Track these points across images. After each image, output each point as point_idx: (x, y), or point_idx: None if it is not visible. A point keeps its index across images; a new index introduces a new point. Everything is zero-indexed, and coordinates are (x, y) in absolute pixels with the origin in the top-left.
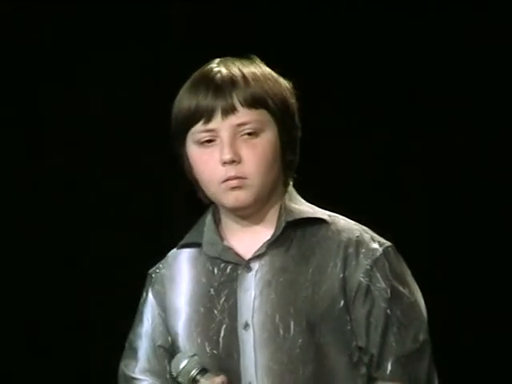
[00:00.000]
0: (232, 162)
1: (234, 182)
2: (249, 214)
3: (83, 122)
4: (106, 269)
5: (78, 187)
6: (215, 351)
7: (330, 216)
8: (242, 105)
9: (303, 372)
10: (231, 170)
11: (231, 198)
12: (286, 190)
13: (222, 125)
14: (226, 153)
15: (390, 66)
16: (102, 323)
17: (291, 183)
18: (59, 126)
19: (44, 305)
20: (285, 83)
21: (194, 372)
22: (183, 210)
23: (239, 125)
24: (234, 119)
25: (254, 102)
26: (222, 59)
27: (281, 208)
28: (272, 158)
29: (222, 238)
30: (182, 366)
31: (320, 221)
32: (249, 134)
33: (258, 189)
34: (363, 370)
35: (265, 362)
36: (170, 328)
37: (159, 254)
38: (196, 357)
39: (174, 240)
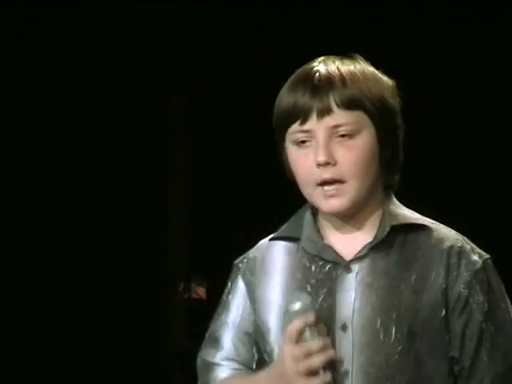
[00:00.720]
0: (326, 164)
1: (330, 191)
2: (345, 216)
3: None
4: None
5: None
6: None
7: (432, 223)
8: (339, 106)
9: (400, 379)
10: (327, 172)
11: (326, 205)
12: (388, 194)
13: (317, 126)
14: (321, 154)
15: None
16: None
17: (394, 187)
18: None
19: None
20: (387, 82)
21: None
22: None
23: (334, 126)
24: (329, 120)
25: (350, 104)
26: (325, 57)
27: (384, 211)
28: (368, 160)
29: (321, 236)
30: (296, 307)
31: (422, 227)
32: (344, 135)
33: (354, 193)
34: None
35: (362, 365)
36: (261, 321)
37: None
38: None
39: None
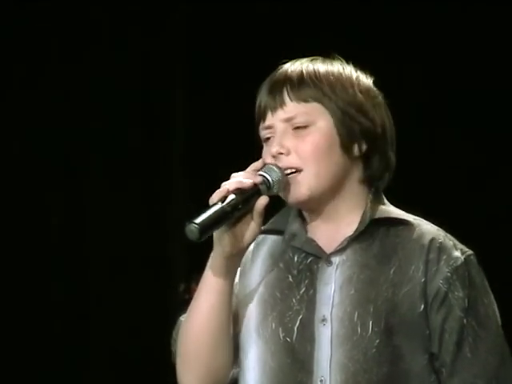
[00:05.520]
0: (279, 153)
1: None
2: (316, 208)
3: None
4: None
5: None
6: (288, 339)
7: (415, 219)
8: (291, 99)
9: (377, 372)
10: (280, 162)
11: (288, 197)
12: (368, 190)
13: (273, 120)
14: (274, 145)
15: None
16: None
17: (379, 186)
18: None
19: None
20: (361, 81)
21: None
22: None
23: (288, 119)
24: (281, 114)
25: (303, 96)
26: (297, 59)
27: (366, 205)
28: (325, 149)
29: (305, 230)
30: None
31: (405, 222)
32: (299, 127)
33: (313, 180)
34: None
35: (340, 358)
36: (240, 306)
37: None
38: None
39: None
